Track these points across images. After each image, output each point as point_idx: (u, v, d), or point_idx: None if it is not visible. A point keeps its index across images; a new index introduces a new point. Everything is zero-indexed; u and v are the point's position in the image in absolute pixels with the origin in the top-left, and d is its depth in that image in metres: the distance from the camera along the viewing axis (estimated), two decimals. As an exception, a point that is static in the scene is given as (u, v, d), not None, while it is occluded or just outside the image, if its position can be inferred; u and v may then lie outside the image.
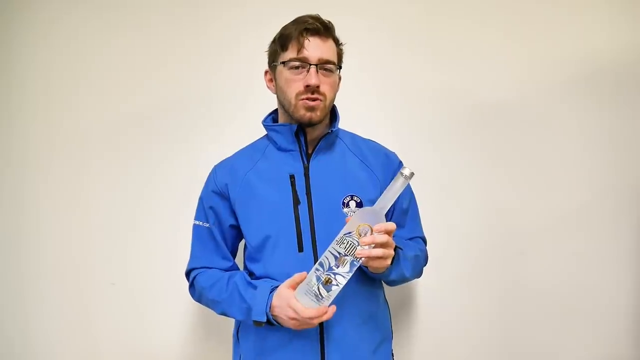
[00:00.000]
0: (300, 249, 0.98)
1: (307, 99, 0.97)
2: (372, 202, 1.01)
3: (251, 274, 1.05)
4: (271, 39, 1.04)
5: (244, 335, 1.06)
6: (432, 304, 1.41)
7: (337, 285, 0.87)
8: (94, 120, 1.44)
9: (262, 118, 1.11)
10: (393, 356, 1.11)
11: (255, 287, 0.97)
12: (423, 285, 1.41)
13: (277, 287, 0.95)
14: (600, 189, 1.39)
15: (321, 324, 0.97)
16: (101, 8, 1.44)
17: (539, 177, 1.40)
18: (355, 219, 0.87)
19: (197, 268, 1.09)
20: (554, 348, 1.39)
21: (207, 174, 1.12)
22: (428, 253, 1.13)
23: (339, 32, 1.06)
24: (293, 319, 0.89)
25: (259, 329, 0.99)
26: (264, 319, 0.93)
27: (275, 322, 0.94)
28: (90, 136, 1.44)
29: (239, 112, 1.41)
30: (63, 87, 1.45)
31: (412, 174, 0.86)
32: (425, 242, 1.15)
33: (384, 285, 1.12)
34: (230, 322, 1.37)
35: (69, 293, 1.43)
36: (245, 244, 1.08)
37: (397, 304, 1.38)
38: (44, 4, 1.45)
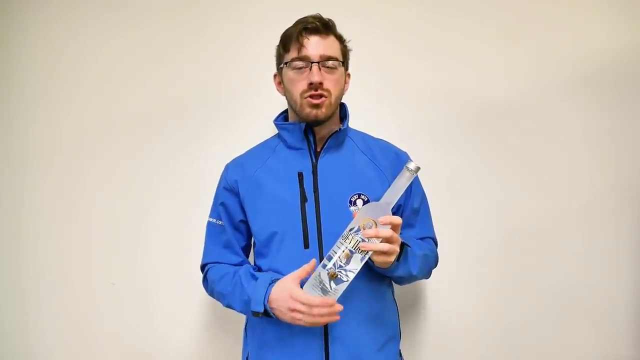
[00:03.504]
0: (306, 246, 0.99)
1: (311, 96, 0.99)
2: None
3: (259, 270, 1.06)
4: (276, 38, 1.05)
5: (251, 331, 1.08)
6: (433, 304, 1.40)
7: (344, 280, 0.87)
8: (94, 120, 1.44)
9: (268, 118, 1.14)
10: (401, 356, 1.10)
11: (256, 279, 0.98)
12: (427, 285, 1.41)
13: (278, 279, 0.95)
14: (600, 189, 1.39)
15: None
16: (101, 8, 1.44)
17: (538, 177, 1.39)
18: (361, 213, 0.88)
19: (209, 263, 1.12)
20: (554, 348, 1.38)
21: (212, 175, 1.15)
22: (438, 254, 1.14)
23: (339, 32, 1.06)
24: (293, 310, 0.89)
25: (265, 324, 1.01)
26: (261, 310, 0.94)
27: (273, 315, 0.94)
28: (90, 136, 1.44)
29: (244, 113, 1.41)
30: (63, 87, 1.44)
31: (417, 168, 0.86)
32: (436, 243, 1.15)
33: (394, 284, 1.12)
34: (234, 321, 1.38)
35: (69, 293, 1.43)
36: (254, 240, 1.10)
37: (401, 304, 1.38)
38: (44, 4, 1.45)
